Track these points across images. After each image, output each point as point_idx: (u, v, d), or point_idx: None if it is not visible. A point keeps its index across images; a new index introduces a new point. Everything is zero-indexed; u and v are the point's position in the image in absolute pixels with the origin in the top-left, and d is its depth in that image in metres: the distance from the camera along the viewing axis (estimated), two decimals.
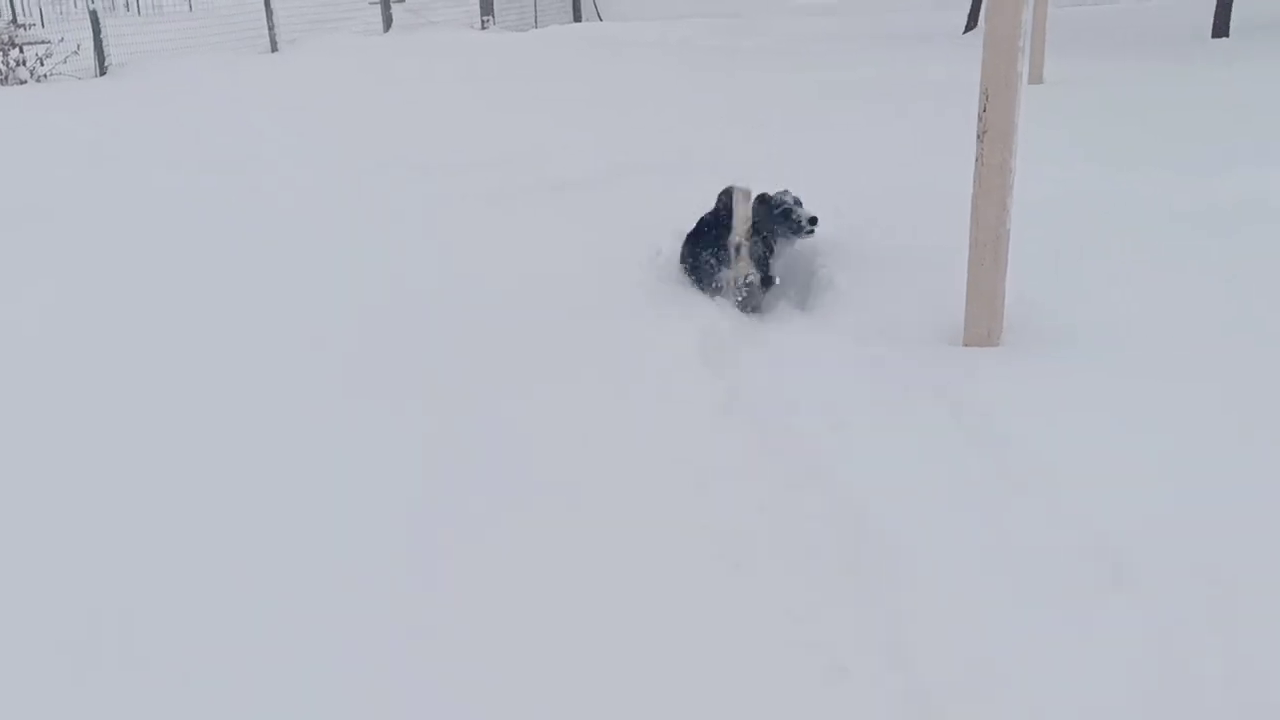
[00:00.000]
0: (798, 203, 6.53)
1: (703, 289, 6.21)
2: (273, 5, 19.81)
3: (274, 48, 19.82)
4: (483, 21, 24.04)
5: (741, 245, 6.06)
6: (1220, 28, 17.35)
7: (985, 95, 5.07)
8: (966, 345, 5.29)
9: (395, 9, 22.99)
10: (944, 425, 4.46)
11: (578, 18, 26.09)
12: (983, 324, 5.26)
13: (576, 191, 8.39)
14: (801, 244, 6.71)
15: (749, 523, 3.56)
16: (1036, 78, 12.51)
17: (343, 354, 5.13)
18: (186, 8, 23.66)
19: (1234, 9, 16.68)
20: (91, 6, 17.05)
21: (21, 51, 16.03)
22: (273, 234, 7.36)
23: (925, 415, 4.58)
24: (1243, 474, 3.84)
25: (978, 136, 5.11)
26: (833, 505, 3.75)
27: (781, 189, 6.59)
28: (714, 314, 5.88)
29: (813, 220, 6.46)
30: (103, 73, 16.85)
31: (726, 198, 6.17)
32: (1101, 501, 3.67)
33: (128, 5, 25.54)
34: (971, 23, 19.67)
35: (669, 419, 4.43)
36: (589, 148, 10.10)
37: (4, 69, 15.60)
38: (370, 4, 22.72)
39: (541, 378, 4.85)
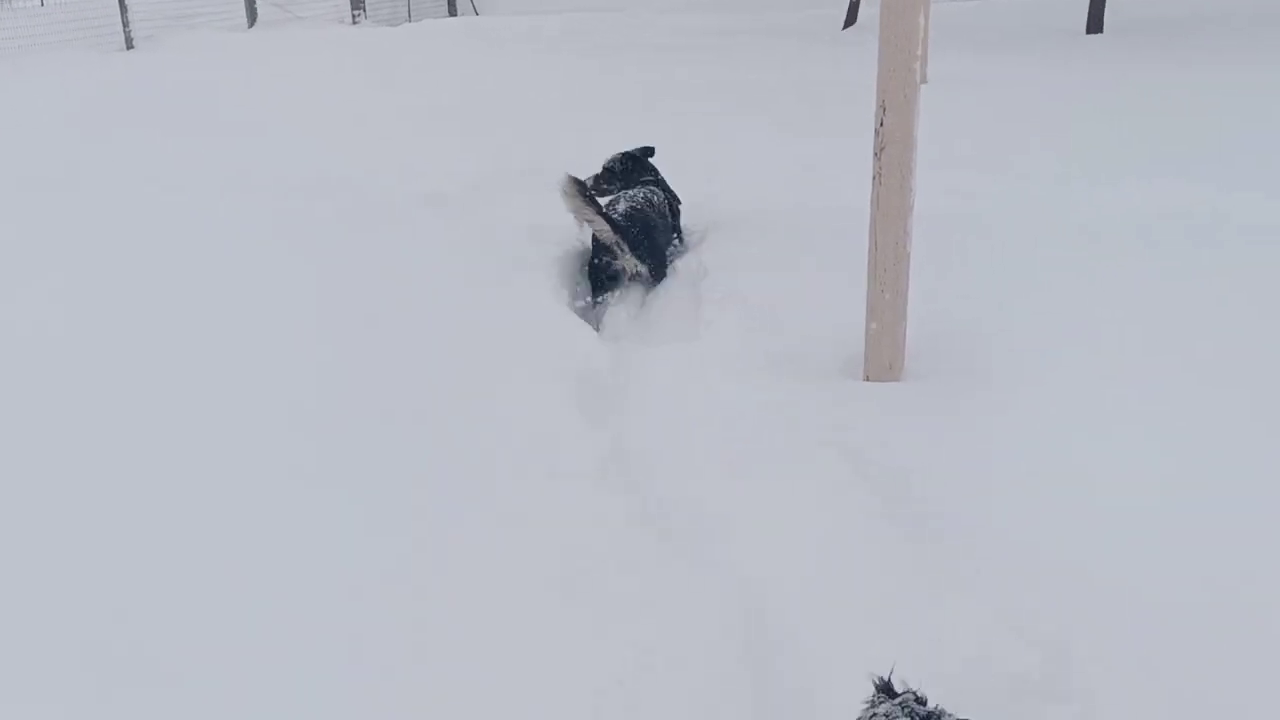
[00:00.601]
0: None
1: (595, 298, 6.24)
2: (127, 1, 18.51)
3: (129, 45, 18.52)
4: (353, 15, 22.98)
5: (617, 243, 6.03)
6: (1094, 24, 17.49)
7: (882, 107, 4.63)
8: (869, 379, 4.85)
9: (260, 4, 21.79)
10: (847, 481, 3.99)
11: (453, 11, 25.34)
12: (884, 356, 4.82)
13: (444, 207, 7.72)
14: (685, 264, 6.26)
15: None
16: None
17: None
18: (38, 2, 22.04)
19: (1107, 5, 16.79)
20: None
21: None
22: (100, 261, 6.52)
23: (825, 466, 4.10)
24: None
25: (875, 153, 4.67)
26: (730, 602, 3.26)
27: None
28: (592, 348, 5.34)
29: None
30: None
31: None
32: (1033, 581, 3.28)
33: None
34: (851, 18, 19.51)
35: (541, 494, 3.85)
36: (460, 154, 9.43)
37: None
38: None
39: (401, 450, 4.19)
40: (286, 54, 16.57)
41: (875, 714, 2.25)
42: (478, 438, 4.28)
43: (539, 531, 3.63)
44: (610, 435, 4.51)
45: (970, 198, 7.00)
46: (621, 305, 6.16)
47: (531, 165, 8.31)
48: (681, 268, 6.46)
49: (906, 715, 2.22)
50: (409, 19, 24.06)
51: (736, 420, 4.52)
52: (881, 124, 4.62)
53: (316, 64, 15.54)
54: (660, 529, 3.71)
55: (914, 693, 2.26)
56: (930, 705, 2.24)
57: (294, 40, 18.44)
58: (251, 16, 21.50)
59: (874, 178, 4.69)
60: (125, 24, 18.74)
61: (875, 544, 3.56)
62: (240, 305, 5.38)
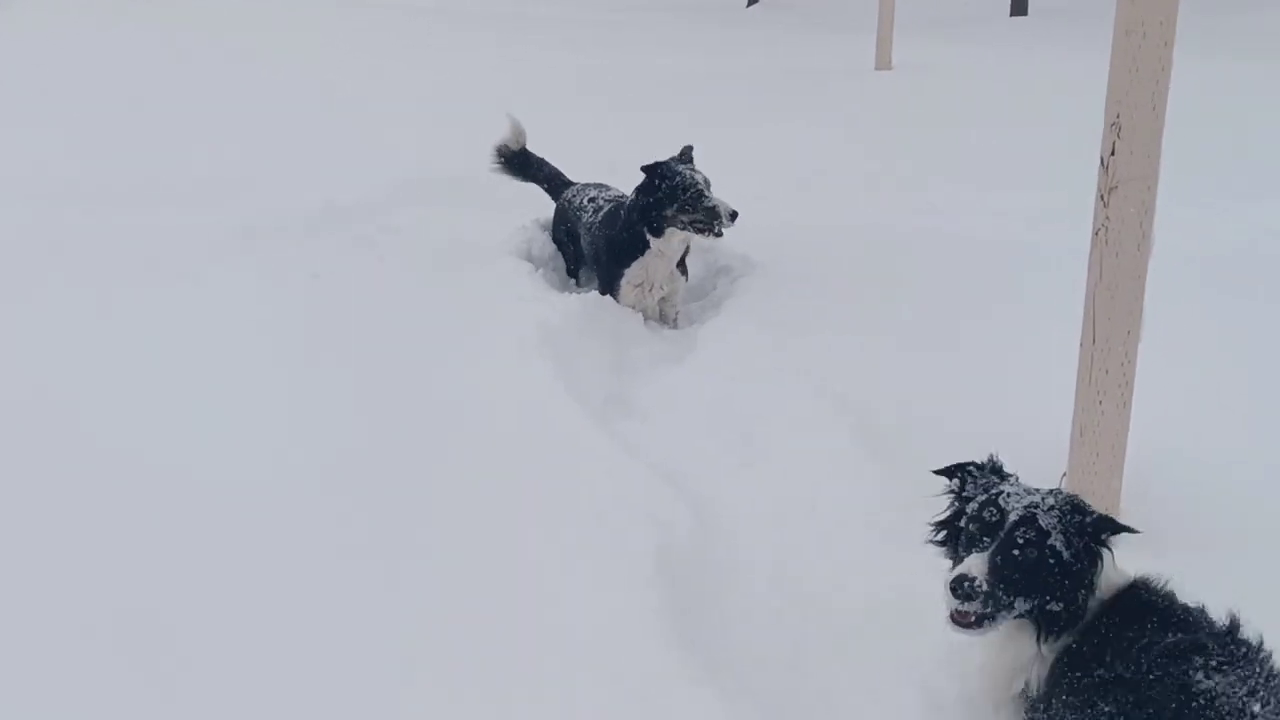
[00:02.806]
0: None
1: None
2: None
3: None
4: None
5: None
6: (1019, 6, 16.50)
7: (1115, 127, 2.98)
8: None
9: None
10: None
11: None
12: (1096, 494, 3.21)
13: (288, 243, 5.71)
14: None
15: None
16: (885, 63, 10.77)
17: None
18: None
19: None
20: None
21: None
22: None
23: None
24: None
25: (1100, 195, 3.02)
26: None
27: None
28: None
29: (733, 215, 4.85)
30: None
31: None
32: None
33: None
34: None
35: None
36: (317, 159, 7.44)
37: None
38: None
39: None
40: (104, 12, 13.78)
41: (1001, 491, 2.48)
42: None
43: None
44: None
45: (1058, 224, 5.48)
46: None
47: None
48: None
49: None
50: None
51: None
52: (1113, 151, 2.97)
53: (139, 32, 12.87)
54: None
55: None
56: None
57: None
58: None
59: (1096, 233, 3.05)
60: None
61: None
62: None
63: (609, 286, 5.11)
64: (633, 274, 5.01)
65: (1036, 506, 2.40)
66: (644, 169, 4.91)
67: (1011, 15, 16.36)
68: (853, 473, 3.63)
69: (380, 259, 5.52)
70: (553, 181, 5.84)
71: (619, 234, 5.02)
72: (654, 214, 4.88)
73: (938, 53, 11.31)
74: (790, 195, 6.64)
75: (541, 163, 5.87)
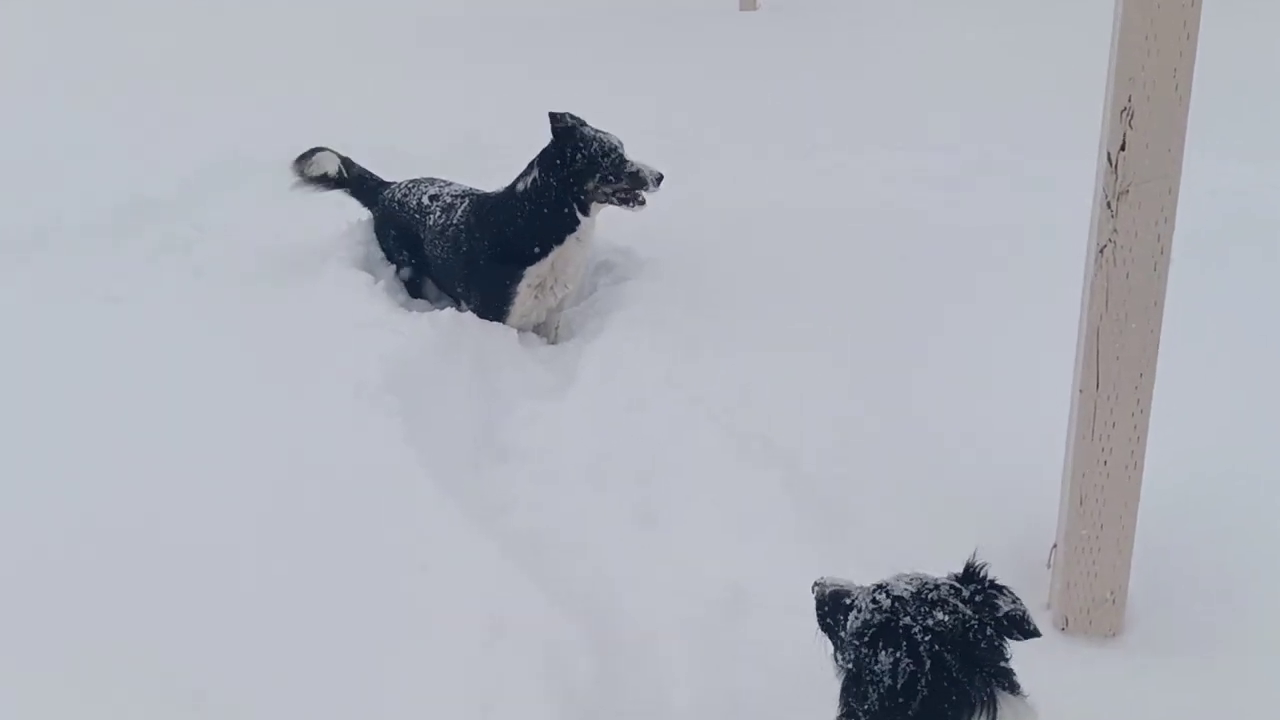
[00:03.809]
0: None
1: None
2: None
3: None
4: None
5: None
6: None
7: (1126, 117, 2.27)
8: (1066, 628, 2.59)
9: None
10: None
11: None
12: (1093, 587, 2.57)
13: (83, 249, 4.78)
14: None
15: None
16: (749, 3, 10.01)
17: None
18: None
19: None
20: None
21: None
22: None
23: None
24: None
25: (1105, 202, 2.32)
26: None
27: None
28: None
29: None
30: None
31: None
32: None
33: None
34: None
35: None
36: (120, 141, 6.35)
37: None
38: None
39: None
40: None
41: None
42: None
43: None
44: None
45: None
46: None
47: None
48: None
49: None
50: None
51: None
52: (1122, 145, 2.26)
53: None
54: None
55: None
56: None
57: None
58: None
59: (1100, 250, 2.35)
60: None
61: None
62: None
63: (496, 300, 4.16)
64: (536, 273, 4.13)
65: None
66: (555, 133, 4.05)
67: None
68: (783, 543, 2.88)
69: (194, 271, 4.55)
70: (360, 185, 4.80)
71: (516, 226, 4.10)
72: (576, 189, 4.03)
73: None
74: (663, 165, 5.83)
75: (346, 166, 4.78)
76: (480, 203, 4.28)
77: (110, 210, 5.22)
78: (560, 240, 4.08)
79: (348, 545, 2.83)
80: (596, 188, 4.02)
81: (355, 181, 4.78)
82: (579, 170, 3.99)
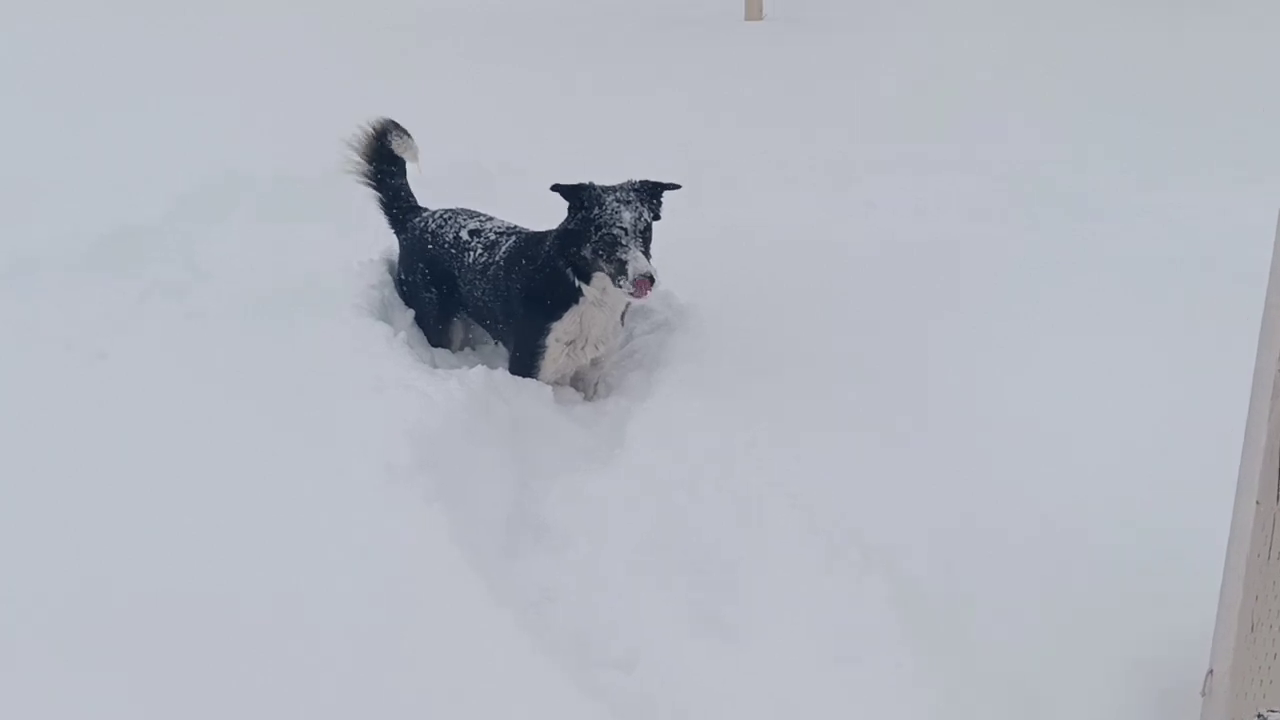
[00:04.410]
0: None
1: None
2: None
3: None
4: None
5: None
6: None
7: None
8: None
9: None
10: None
11: None
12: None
13: (65, 291, 4.32)
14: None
15: None
16: (756, 12, 9.67)
17: None
18: None
19: None
20: None
21: None
22: None
23: None
24: None
25: None
26: None
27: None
28: None
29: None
30: None
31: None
32: None
33: None
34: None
35: None
36: (101, 163, 5.92)
37: None
38: None
39: None
40: None
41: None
42: None
43: None
44: None
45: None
46: None
47: None
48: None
49: None
50: None
51: None
52: None
53: None
54: None
55: None
56: None
57: None
58: None
59: None
60: None
61: None
62: None
63: (529, 353, 3.78)
64: (564, 329, 3.75)
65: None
66: (564, 191, 3.64)
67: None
68: (891, 672, 2.50)
69: (187, 316, 4.12)
70: (394, 199, 4.43)
71: (542, 277, 3.72)
72: (574, 251, 3.64)
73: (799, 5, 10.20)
74: (687, 192, 5.45)
75: (399, 169, 4.46)
76: (520, 245, 3.91)
77: (90, 242, 4.76)
78: (575, 301, 3.69)
79: (394, 663, 2.45)
80: (593, 258, 3.58)
81: (393, 193, 4.40)
82: (578, 231, 3.60)
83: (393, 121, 4.37)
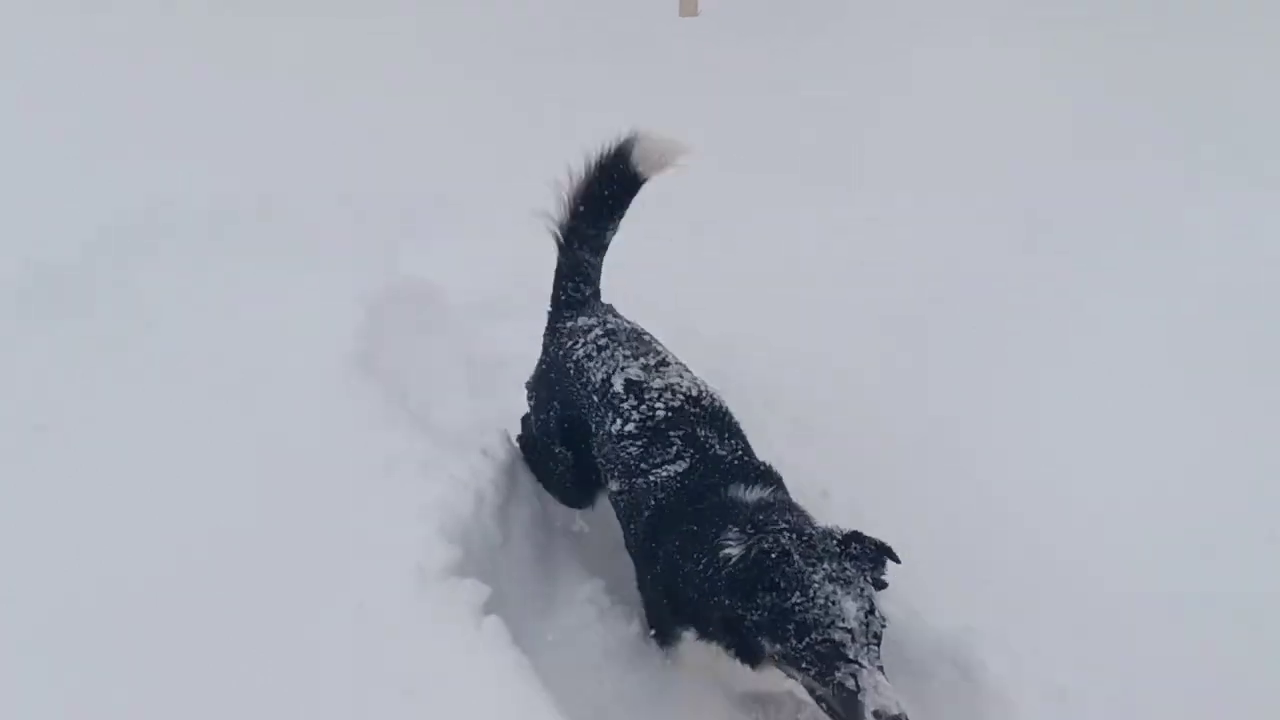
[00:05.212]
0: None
1: None
2: None
3: None
4: None
5: None
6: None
7: None
8: None
9: None
10: None
11: None
12: None
13: None
14: None
15: None
16: (690, 9, 9.21)
17: None
18: None
19: None
20: None
21: None
22: None
23: None
24: None
25: None
26: None
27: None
28: None
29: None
30: None
31: None
32: None
33: None
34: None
35: None
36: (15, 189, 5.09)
37: None
38: None
39: None
40: None
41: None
42: None
43: None
44: None
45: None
46: None
47: None
48: None
49: None
50: None
51: None
52: None
53: None
54: None
55: None
56: None
57: None
58: None
59: None
60: None
61: None
62: None
63: (666, 623, 2.67)
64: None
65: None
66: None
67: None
68: None
69: (132, 378, 3.47)
70: (574, 272, 3.17)
71: (698, 579, 2.52)
72: (744, 630, 2.43)
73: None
74: (685, 220, 4.91)
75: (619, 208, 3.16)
76: (679, 511, 2.66)
77: (16, 288, 4.03)
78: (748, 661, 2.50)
79: None
80: (782, 655, 2.35)
81: (575, 259, 3.14)
82: (760, 624, 2.37)
83: (642, 131, 3.04)
